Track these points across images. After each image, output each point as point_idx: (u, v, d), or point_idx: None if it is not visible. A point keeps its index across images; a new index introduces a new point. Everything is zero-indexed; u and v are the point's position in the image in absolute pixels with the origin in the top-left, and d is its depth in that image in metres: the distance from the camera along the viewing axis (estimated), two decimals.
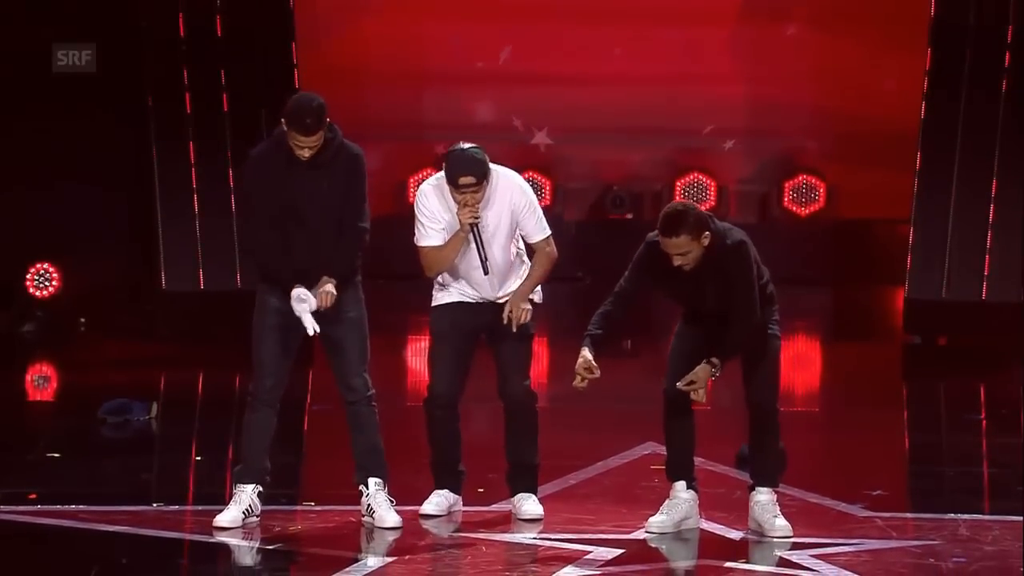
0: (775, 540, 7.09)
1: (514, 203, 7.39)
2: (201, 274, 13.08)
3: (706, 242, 7.05)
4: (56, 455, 8.80)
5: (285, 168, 7.21)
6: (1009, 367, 12.25)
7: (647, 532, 7.20)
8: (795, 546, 7.04)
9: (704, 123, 15.88)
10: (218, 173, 13.16)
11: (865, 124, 15.71)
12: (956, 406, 11.08)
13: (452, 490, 7.55)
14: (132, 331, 13.00)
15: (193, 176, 13.20)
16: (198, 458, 8.93)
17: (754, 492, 7.26)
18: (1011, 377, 11.89)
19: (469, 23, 15.85)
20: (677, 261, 7.06)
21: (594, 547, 6.96)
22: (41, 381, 12.00)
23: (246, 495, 7.26)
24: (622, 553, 6.90)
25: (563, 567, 6.68)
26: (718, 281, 7.11)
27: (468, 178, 7.27)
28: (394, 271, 14.39)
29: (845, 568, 6.71)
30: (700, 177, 15.64)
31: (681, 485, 7.27)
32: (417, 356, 13.28)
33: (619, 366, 13.03)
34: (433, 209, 7.38)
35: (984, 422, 10.33)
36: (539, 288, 7.51)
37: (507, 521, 7.43)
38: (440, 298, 7.48)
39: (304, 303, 7.16)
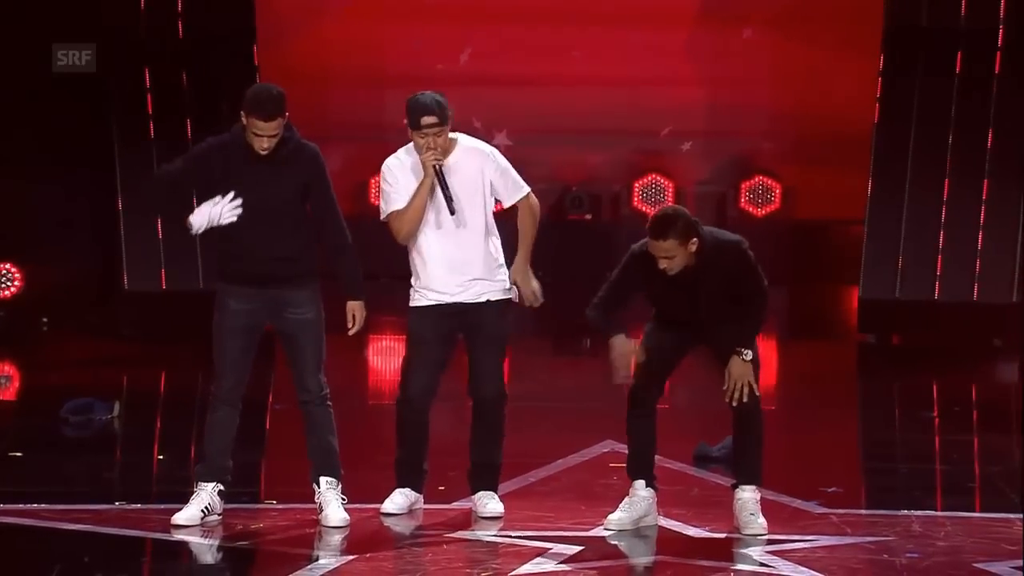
0: (745, 537, 7.16)
1: (484, 167, 7.44)
2: (163, 274, 13.10)
3: (693, 248, 7.14)
4: (18, 454, 8.80)
5: (242, 162, 7.20)
6: (961, 365, 12.38)
7: (606, 529, 7.25)
8: (750, 543, 7.13)
9: (662, 125, 15.99)
10: None
11: (820, 126, 15.84)
12: (909, 404, 11.18)
13: (414, 488, 7.59)
14: (94, 331, 13.00)
15: None
16: (160, 457, 8.95)
17: (738, 490, 7.34)
18: (963, 375, 12.03)
19: (429, 25, 15.90)
20: (663, 264, 7.14)
21: (553, 544, 7.01)
22: (3, 380, 11.98)
23: (206, 493, 7.29)
24: (581, 550, 6.95)
25: (523, 564, 6.74)
26: (714, 282, 7.17)
27: (430, 118, 7.34)
28: None
29: (800, 564, 6.78)
30: (658, 178, 15.75)
31: (641, 483, 7.35)
32: (379, 355, 13.33)
33: (578, 366, 13.11)
34: (397, 176, 7.46)
35: (937, 420, 10.43)
36: (513, 288, 7.54)
37: (468, 519, 7.48)
38: (417, 300, 7.51)
39: (204, 213, 7.20)
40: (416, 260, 7.50)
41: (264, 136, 7.16)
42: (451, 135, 7.46)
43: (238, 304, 7.26)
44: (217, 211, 7.19)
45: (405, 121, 7.46)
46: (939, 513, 7.69)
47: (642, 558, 7.00)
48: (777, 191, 16.05)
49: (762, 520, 7.26)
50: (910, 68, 13.35)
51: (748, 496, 7.30)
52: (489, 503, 7.49)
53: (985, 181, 13.20)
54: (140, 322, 12.97)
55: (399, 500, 7.54)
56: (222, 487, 7.33)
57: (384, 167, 7.52)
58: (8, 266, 13.34)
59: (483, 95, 15.66)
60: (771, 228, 15.61)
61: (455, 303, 7.45)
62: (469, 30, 15.91)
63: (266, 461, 8.99)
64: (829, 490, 8.01)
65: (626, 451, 7.53)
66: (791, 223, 16.08)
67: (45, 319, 13.28)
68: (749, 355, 7.20)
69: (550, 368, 12.52)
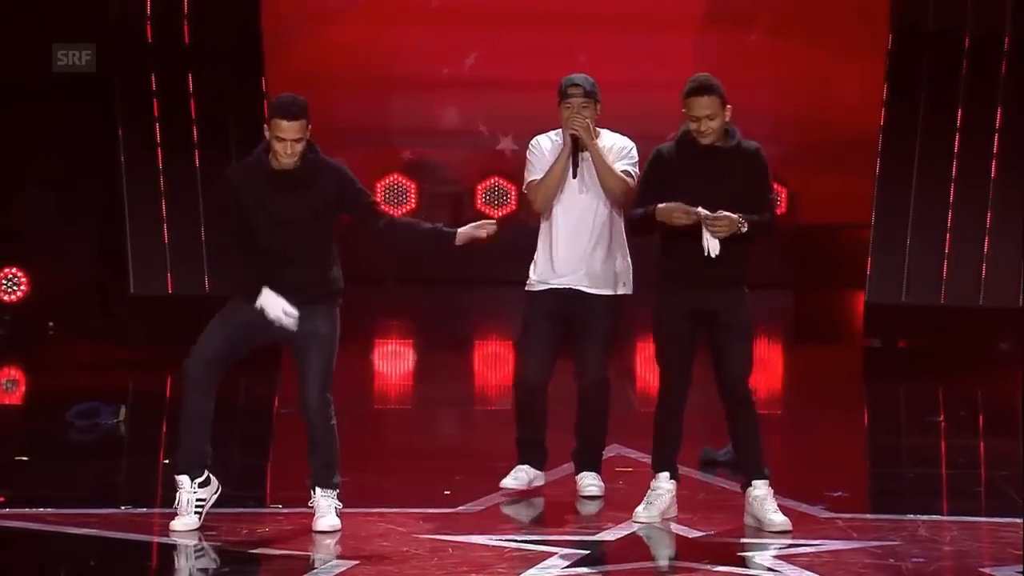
0: (752, 541, 7.18)
1: (616, 147, 7.77)
2: (169, 278, 13.12)
3: (728, 116, 7.23)
4: (24, 458, 8.82)
5: (267, 188, 7.15)
6: (967, 370, 12.38)
7: (634, 522, 7.35)
8: (756, 547, 7.14)
9: (667, 129, 15.92)
10: (186, 178, 13.20)
11: (826, 130, 15.86)
12: (915, 408, 11.19)
13: (533, 466, 7.85)
14: (100, 335, 13.02)
15: (161, 181, 13.25)
16: (166, 461, 8.96)
17: (750, 488, 7.37)
18: (969, 380, 12.03)
19: (435, 30, 15.93)
20: (703, 127, 7.20)
21: (559, 548, 7.03)
22: (9, 384, 12.00)
23: (185, 493, 7.21)
24: (587, 555, 6.98)
25: (529, 568, 6.75)
26: (739, 172, 7.25)
27: (576, 88, 7.71)
28: (363, 275, 14.47)
29: (806, 568, 6.79)
30: None
31: (665, 475, 7.45)
32: (384, 360, 13.35)
33: None
34: (543, 149, 7.81)
35: (943, 424, 10.44)
36: (630, 278, 7.79)
37: (475, 522, 7.51)
38: (532, 284, 7.80)
39: (271, 304, 7.17)
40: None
41: (287, 140, 7.12)
42: (597, 128, 7.80)
43: (254, 314, 7.22)
44: (278, 309, 7.17)
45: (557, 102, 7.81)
46: (945, 517, 7.69)
47: (648, 562, 7.01)
48: (783, 195, 16.03)
49: (783, 516, 7.31)
50: (916, 72, 13.37)
51: (762, 493, 7.34)
52: (589, 480, 7.81)
53: (991, 185, 13.21)
54: (146, 326, 12.99)
55: (518, 476, 7.82)
56: (201, 477, 7.24)
57: (532, 142, 7.86)
58: (14, 270, 13.36)
59: (489, 99, 15.67)
60: (777, 232, 15.59)
61: (561, 289, 7.71)
62: (474, 34, 15.94)
63: (272, 465, 9.01)
64: (835, 494, 8.01)
65: (633, 455, 7.55)
66: (797, 227, 16.08)
67: (51, 323, 13.30)
68: (745, 227, 7.20)
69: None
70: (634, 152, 7.83)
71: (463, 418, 7.84)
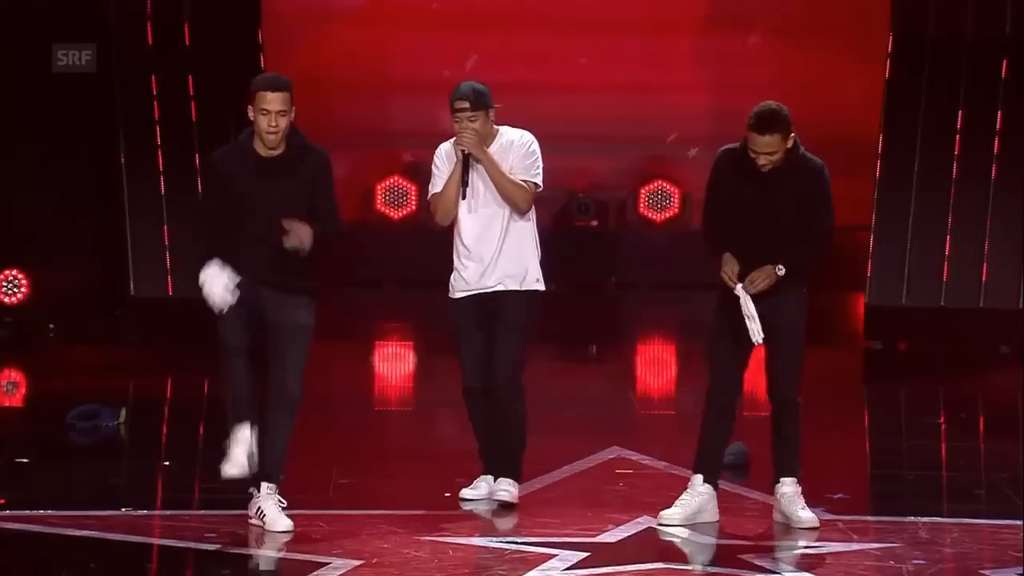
0: (753, 543, 7.18)
1: (515, 144, 7.65)
2: (170, 280, 13.12)
3: (790, 144, 7.21)
4: (24, 460, 8.82)
5: (251, 174, 7.15)
6: (968, 372, 12.38)
7: (659, 524, 7.34)
8: (756, 548, 7.14)
9: (668, 131, 15.99)
10: (186, 180, 13.19)
11: (826, 132, 15.77)
12: (916, 410, 11.19)
13: (494, 474, 7.75)
14: (101, 337, 13.01)
15: (161, 183, 13.24)
16: (166, 463, 8.97)
17: (779, 484, 7.41)
18: (970, 382, 12.03)
19: (436, 32, 15.91)
20: (762, 160, 7.21)
21: (560, 550, 7.03)
22: (10, 387, 12.00)
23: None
24: (587, 556, 6.98)
25: (529, 570, 6.75)
26: (794, 193, 7.24)
27: (463, 102, 7.62)
28: (361, 278, 14.49)
29: (807, 570, 6.80)
30: (664, 184, 15.74)
31: (699, 478, 7.43)
32: (385, 362, 13.34)
33: (584, 371, 13.11)
34: (444, 160, 7.71)
35: (943, 426, 10.44)
36: (539, 276, 7.71)
37: (475, 525, 7.51)
38: (452, 291, 7.75)
39: (215, 280, 7.16)
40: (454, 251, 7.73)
41: (272, 112, 7.09)
42: (496, 127, 7.69)
43: (242, 291, 7.18)
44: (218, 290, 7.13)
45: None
46: (946, 520, 7.69)
47: (648, 564, 7.01)
48: None
49: (811, 514, 7.32)
50: (917, 75, 13.37)
51: (790, 491, 7.40)
52: (504, 487, 7.64)
53: (992, 187, 13.21)
54: (146, 328, 12.98)
55: (478, 486, 7.73)
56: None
57: (436, 151, 7.76)
58: (14, 272, 13.36)
59: None
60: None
61: (478, 293, 7.63)
62: (475, 37, 15.92)
63: None
64: (835, 496, 8.01)
65: (633, 457, 7.55)
66: None
67: (52, 325, 13.30)
68: (782, 270, 7.23)
69: (556, 374, 12.52)
70: (534, 148, 7.73)
71: (463, 420, 7.83)
